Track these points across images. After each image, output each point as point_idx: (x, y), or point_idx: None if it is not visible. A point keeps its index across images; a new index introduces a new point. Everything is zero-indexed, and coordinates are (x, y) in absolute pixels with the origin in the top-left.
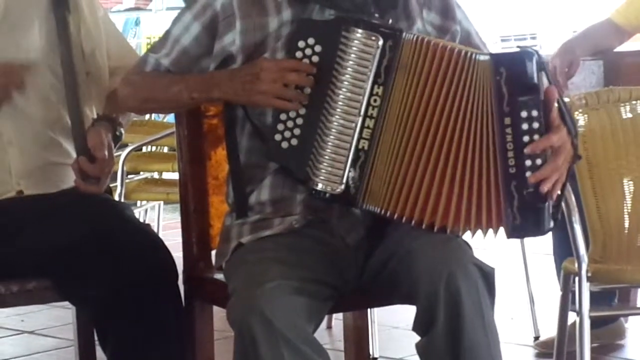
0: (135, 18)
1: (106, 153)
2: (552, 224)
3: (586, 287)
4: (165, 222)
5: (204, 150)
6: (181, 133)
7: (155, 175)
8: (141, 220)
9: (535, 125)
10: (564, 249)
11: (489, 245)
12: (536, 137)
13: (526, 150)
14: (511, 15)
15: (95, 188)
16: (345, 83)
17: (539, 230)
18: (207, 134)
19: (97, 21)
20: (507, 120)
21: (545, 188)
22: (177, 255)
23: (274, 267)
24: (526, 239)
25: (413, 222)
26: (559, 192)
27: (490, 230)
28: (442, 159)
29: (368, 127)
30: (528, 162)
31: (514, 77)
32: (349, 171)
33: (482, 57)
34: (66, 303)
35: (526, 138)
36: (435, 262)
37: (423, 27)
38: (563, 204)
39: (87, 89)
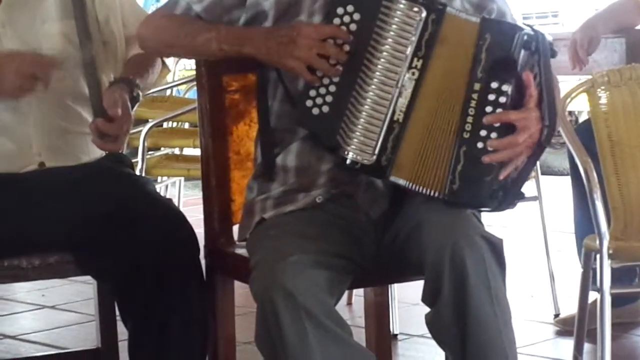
0: None
1: (119, 111)
2: (492, 203)
3: (607, 265)
4: (185, 199)
5: (225, 125)
6: (203, 108)
7: (176, 151)
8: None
9: (502, 99)
10: (585, 227)
11: (509, 223)
12: (499, 110)
13: (484, 120)
14: None
15: (113, 146)
16: (385, 54)
17: (473, 202)
18: (229, 109)
19: None
20: (477, 86)
21: (488, 159)
22: (199, 231)
23: (296, 241)
24: (546, 216)
25: (428, 192)
26: (511, 173)
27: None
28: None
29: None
30: (483, 132)
31: (496, 46)
32: (382, 142)
33: (473, 19)
34: (87, 278)
35: (489, 108)
36: (441, 233)
37: (462, 4)
38: (586, 181)
39: (104, 59)
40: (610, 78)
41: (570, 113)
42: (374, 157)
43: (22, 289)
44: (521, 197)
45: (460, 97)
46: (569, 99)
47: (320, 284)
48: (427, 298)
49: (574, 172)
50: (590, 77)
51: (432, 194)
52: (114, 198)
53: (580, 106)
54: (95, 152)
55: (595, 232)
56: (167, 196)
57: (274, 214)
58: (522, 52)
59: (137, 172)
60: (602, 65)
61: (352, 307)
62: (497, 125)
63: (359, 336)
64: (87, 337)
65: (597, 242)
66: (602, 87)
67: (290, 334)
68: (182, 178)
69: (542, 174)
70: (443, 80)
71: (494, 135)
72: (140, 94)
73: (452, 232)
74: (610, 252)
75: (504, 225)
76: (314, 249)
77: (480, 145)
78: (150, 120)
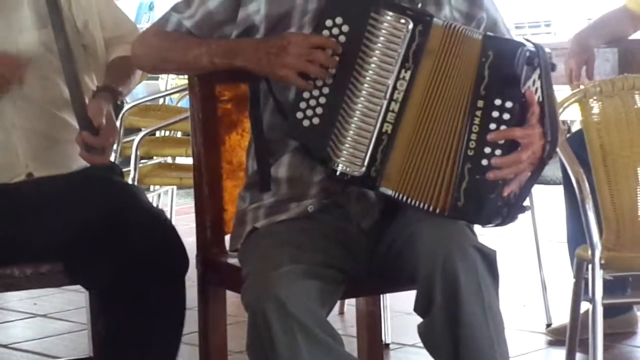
0: (149, 2)
1: (104, 121)
2: (497, 219)
3: (599, 275)
4: (178, 207)
5: (218, 134)
6: (196, 117)
7: (169, 160)
8: (154, 205)
9: (506, 116)
10: (577, 237)
11: (502, 232)
12: (503, 127)
13: (488, 137)
14: (526, 2)
15: (100, 159)
16: (373, 65)
17: (477, 219)
18: (221, 119)
19: None
20: (480, 104)
21: (492, 176)
22: (190, 240)
23: (288, 251)
24: (539, 226)
25: (426, 207)
26: (514, 190)
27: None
28: (433, 138)
29: (392, 111)
30: (487, 150)
31: (498, 63)
32: (371, 154)
33: (475, 36)
34: (79, 287)
35: (493, 125)
36: (433, 245)
37: (450, 13)
38: (578, 191)
39: (85, 62)
40: (602, 88)
41: (563, 122)
42: (363, 168)
43: (14, 298)
44: (523, 211)
45: (461, 113)
46: (561, 109)
47: (312, 294)
48: (419, 308)
49: (567, 182)
50: (582, 87)
51: (433, 209)
52: (106, 207)
53: (572, 115)
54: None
55: (587, 242)
56: (160, 205)
57: (265, 223)
58: (525, 68)
59: (130, 181)
60: (595, 75)
61: (344, 316)
62: (501, 142)
63: (351, 346)
64: (79, 346)
65: (589, 252)
66: (595, 97)
67: (281, 345)
68: (175, 187)
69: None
70: (433, 92)
71: (498, 152)
72: (124, 100)
73: (445, 243)
74: (603, 262)
75: (496, 234)
76: (306, 258)
77: (484, 162)
78: (142, 129)
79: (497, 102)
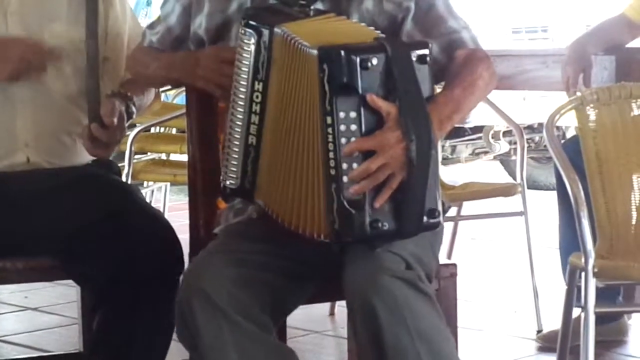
0: None
1: (116, 120)
2: (375, 234)
3: (592, 283)
4: (171, 203)
5: (214, 131)
6: (192, 115)
7: (163, 156)
8: (147, 200)
9: (353, 127)
10: (570, 244)
11: (494, 237)
12: (353, 139)
13: (342, 153)
14: (523, 7)
15: (102, 152)
16: (236, 77)
17: (352, 237)
18: (218, 117)
19: (125, 9)
20: (329, 120)
21: (352, 191)
22: (183, 237)
23: (228, 243)
24: (531, 231)
25: (308, 233)
26: (395, 196)
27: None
28: (295, 158)
29: (254, 123)
30: (345, 165)
31: (333, 75)
32: (242, 166)
33: (312, 52)
34: (71, 281)
35: (344, 140)
36: (352, 283)
37: (376, 5)
38: (573, 199)
39: (102, 74)
40: (599, 96)
41: (558, 128)
42: (238, 180)
43: (5, 290)
44: (434, 216)
45: (317, 134)
46: (558, 116)
47: (237, 282)
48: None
49: (560, 188)
50: (579, 94)
51: (317, 236)
52: (105, 206)
53: (567, 121)
54: (84, 156)
55: (581, 249)
56: (153, 201)
57: (222, 227)
58: (361, 73)
59: (124, 177)
60: (592, 83)
61: (335, 317)
62: (356, 155)
63: (342, 347)
64: (69, 341)
65: (583, 259)
66: (591, 105)
67: (207, 334)
68: (168, 183)
69: (528, 188)
70: (285, 103)
71: (355, 165)
72: (135, 110)
73: (360, 282)
74: (596, 270)
75: (490, 239)
76: (244, 249)
77: (345, 179)
78: (137, 124)
79: (342, 115)
